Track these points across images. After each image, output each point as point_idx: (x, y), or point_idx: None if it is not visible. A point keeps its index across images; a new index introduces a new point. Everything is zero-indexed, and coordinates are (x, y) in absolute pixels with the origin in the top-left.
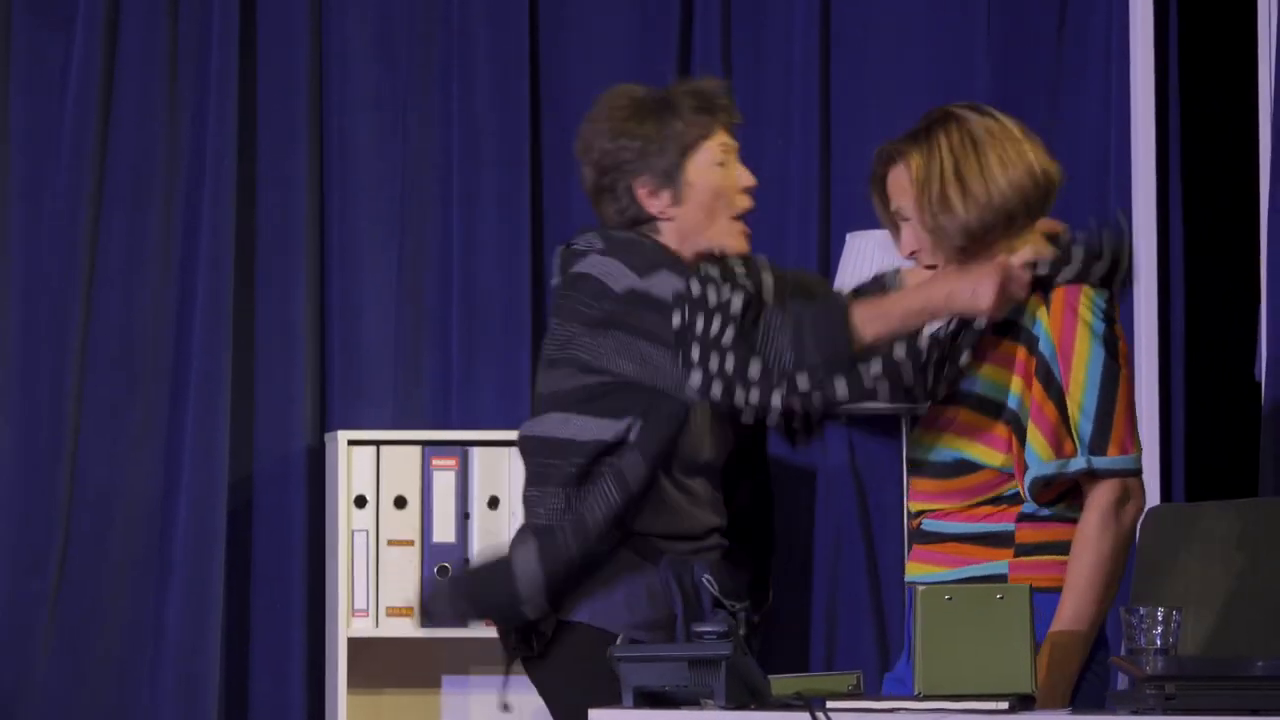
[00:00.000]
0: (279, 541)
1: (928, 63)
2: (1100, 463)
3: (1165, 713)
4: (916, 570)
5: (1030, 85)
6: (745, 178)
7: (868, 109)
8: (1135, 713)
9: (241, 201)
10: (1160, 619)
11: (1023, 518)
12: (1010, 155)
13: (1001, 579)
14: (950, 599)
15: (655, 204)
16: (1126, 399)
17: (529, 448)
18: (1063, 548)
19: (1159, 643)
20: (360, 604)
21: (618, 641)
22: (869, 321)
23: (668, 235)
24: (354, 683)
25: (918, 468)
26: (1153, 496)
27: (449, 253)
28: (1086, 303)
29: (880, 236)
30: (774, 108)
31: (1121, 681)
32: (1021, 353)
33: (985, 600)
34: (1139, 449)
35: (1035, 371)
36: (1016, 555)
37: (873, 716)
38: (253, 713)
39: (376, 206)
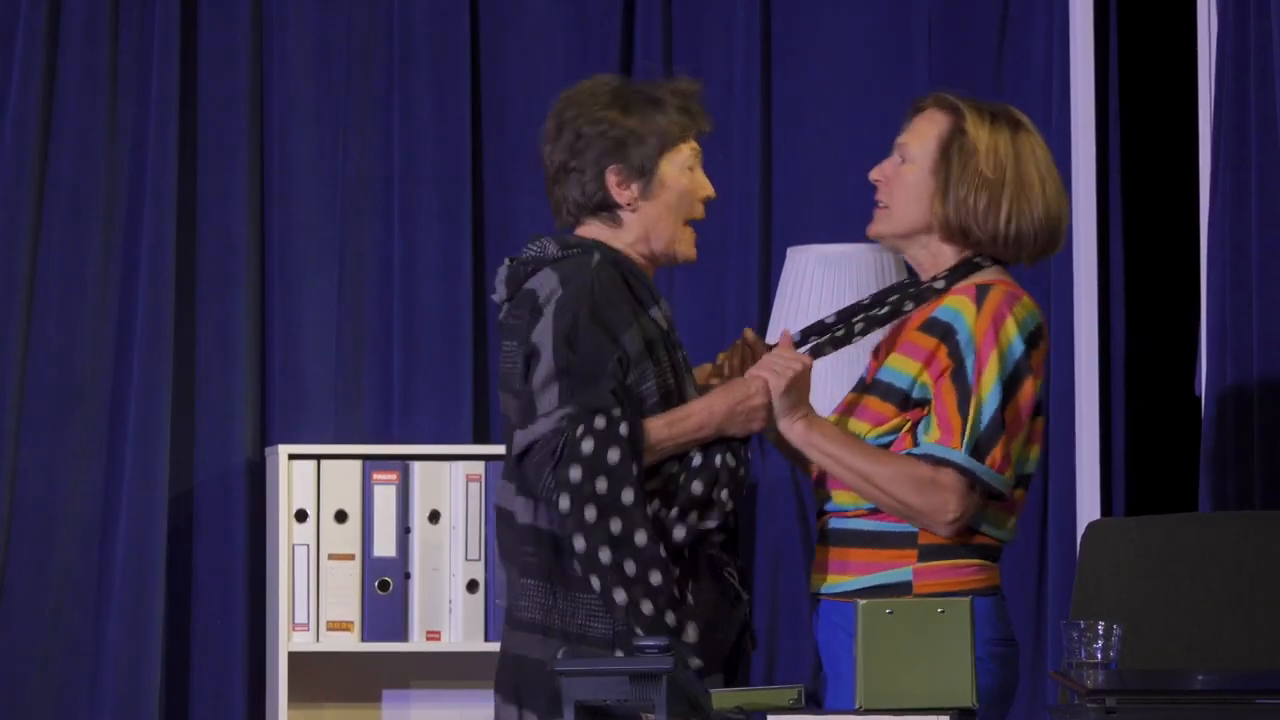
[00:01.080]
0: (219, 556)
1: (869, 77)
2: (974, 465)
3: None
4: (821, 581)
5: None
6: (707, 187)
7: (808, 123)
8: None
9: (182, 218)
10: (1101, 633)
11: None
12: (1032, 201)
13: (906, 587)
14: (891, 613)
15: (624, 194)
16: (1015, 426)
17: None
18: (966, 551)
19: (1099, 656)
20: (301, 618)
21: (559, 655)
22: (659, 439)
23: (629, 227)
24: (294, 697)
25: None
26: (1093, 510)
27: (390, 268)
28: (1014, 322)
29: (821, 251)
30: (714, 123)
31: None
32: (933, 343)
33: (926, 614)
34: (1011, 476)
35: (949, 363)
36: (920, 559)
37: None
38: None
39: (317, 223)
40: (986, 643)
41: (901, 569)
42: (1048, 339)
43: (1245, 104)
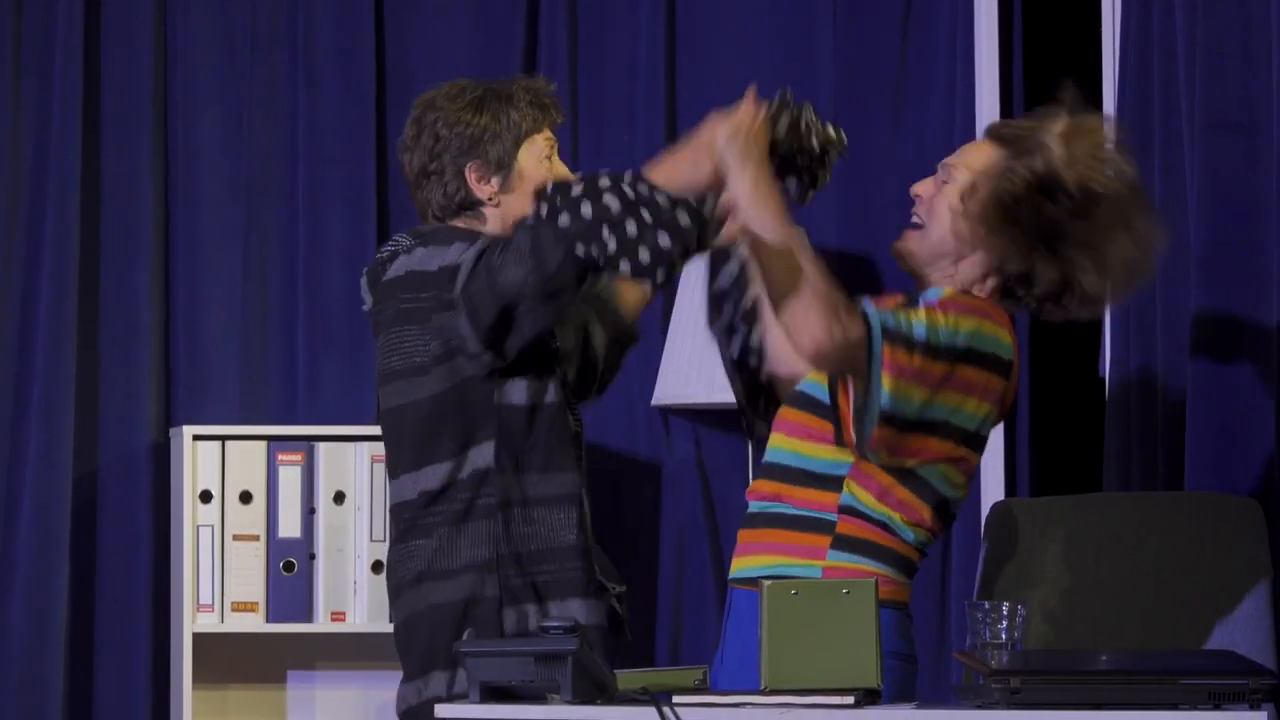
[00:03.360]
0: (124, 537)
1: (773, 63)
2: (878, 338)
3: (1010, 707)
4: (735, 565)
5: (875, 85)
6: (568, 175)
7: (712, 107)
8: (980, 707)
9: (86, 198)
10: (1005, 613)
11: (844, 510)
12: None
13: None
14: (796, 594)
15: (485, 189)
16: (928, 366)
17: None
18: (879, 553)
19: (1004, 637)
20: (205, 599)
21: (464, 637)
22: (660, 177)
23: (492, 221)
24: (199, 678)
25: (788, 400)
26: (997, 491)
27: (294, 249)
28: (975, 322)
29: None
30: (618, 108)
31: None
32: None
33: (831, 595)
34: (892, 390)
35: (904, 298)
36: (834, 546)
37: (718, 711)
38: (97, 708)
39: (221, 203)
40: (884, 656)
41: (810, 565)
42: (1011, 379)
43: (1149, 90)
